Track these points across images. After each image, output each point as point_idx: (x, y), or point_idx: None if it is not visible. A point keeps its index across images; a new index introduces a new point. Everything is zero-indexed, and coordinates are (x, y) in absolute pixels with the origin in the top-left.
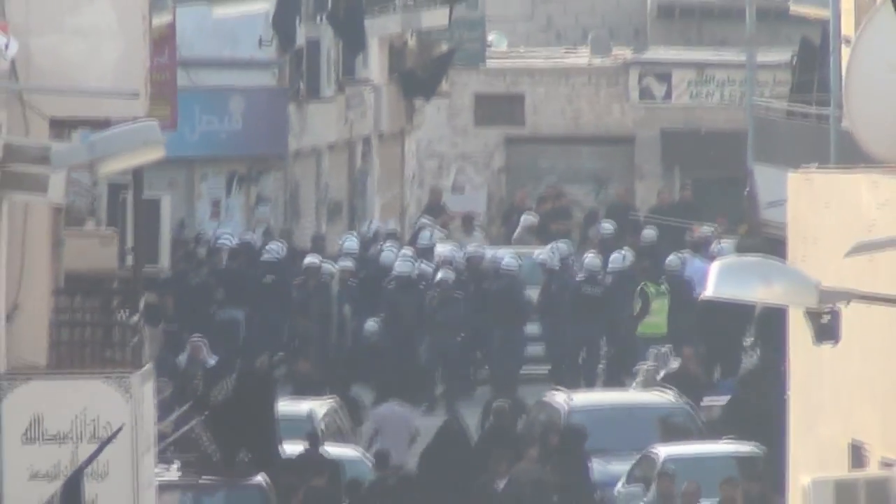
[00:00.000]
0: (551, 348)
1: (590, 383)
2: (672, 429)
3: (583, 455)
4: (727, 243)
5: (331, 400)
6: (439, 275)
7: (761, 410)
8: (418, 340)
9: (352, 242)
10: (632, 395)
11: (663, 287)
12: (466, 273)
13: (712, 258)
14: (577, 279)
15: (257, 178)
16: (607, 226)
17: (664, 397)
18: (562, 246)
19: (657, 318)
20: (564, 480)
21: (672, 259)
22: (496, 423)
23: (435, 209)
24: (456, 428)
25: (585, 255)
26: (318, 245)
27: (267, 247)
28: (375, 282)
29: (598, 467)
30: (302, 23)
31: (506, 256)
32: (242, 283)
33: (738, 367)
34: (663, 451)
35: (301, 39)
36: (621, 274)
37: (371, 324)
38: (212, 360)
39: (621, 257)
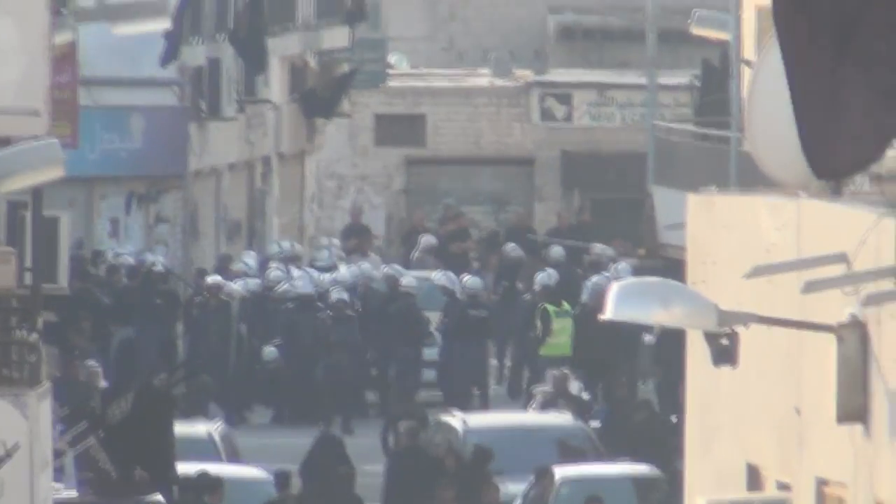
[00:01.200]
0: (445, 372)
1: (483, 406)
2: (570, 450)
3: (489, 476)
4: (624, 265)
5: (220, 422)
6: (333, 295)
7: (635, 434)
8: (315, 361)
9: (251, 260)
10: (529, 417)
11: (566, 307)
12: (366, 295)
13: (608, 280)
14: (461, 301)
15: (157, 197)
16: (513, 246)
17: (561, 419)
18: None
19: (560, 338)
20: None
21: (543, 277)
22: (409, 443)
23: (356, 230)
24: (332, 439)
25: (464, 277)
26: (224, 264)
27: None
28: (266, 301)
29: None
30: (203, 42)
31: (405, 276)
32: (138, 301)
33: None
34: (560, 471)
35: (201, 59)
36: (527, 295)
37: (270, 350)
38: (105, 384)
39: (547, 276)
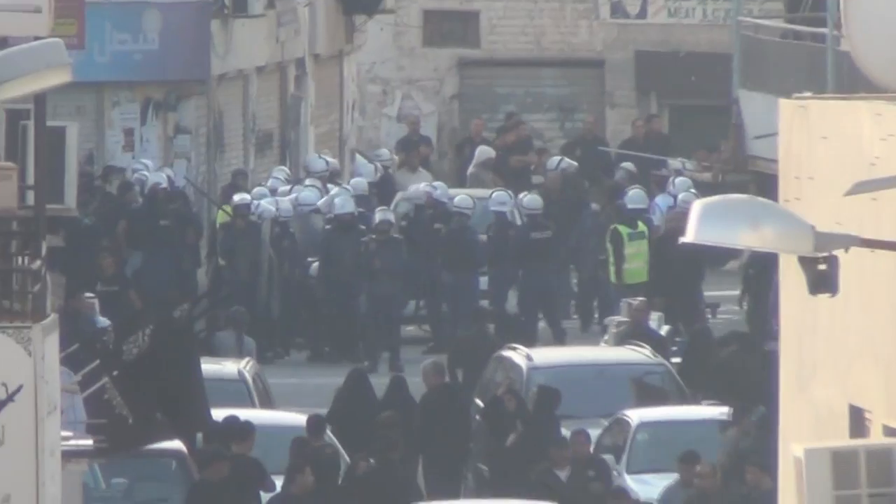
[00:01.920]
0: (499, 303)
1: (558, 340)
2: (648, 390)
3: (556, 421)
4: (683, 179)
5: (250, 360)
6: (377, 216)
7: (721, 371)
8: (357, 288)
9: (282, 175)
10: (601, 352)
11: (642, 228)
12: (414, 213)
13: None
14: (521, 223)
15: (176, 105)
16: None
17: (638, 354)
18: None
19: (634, 263)
20: (538, 449)
21: (634, 194)
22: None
23: (411, 143)
24: (362, 377)
25: (523, 195)
26: (240, 181)
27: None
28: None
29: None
30: None
31: (458, 195)
32: (146, 224)
33: (696, 321)
34: (637, 415)
35: None
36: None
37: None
38: (102, 320)
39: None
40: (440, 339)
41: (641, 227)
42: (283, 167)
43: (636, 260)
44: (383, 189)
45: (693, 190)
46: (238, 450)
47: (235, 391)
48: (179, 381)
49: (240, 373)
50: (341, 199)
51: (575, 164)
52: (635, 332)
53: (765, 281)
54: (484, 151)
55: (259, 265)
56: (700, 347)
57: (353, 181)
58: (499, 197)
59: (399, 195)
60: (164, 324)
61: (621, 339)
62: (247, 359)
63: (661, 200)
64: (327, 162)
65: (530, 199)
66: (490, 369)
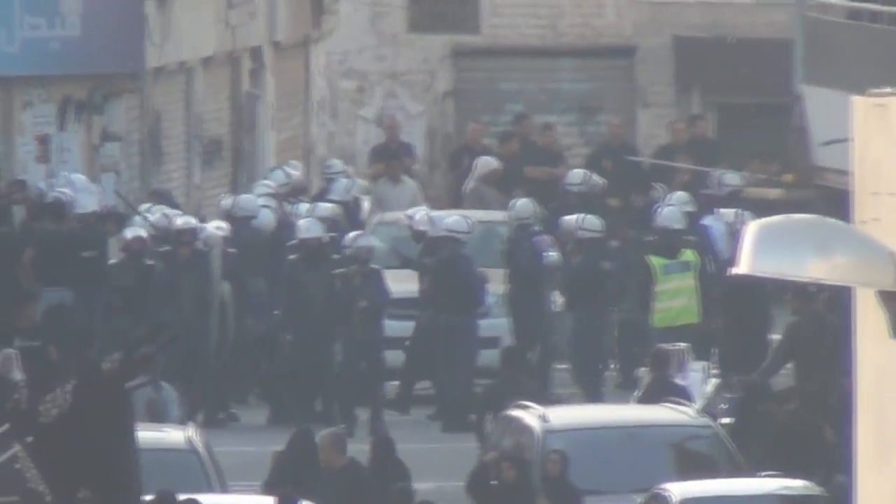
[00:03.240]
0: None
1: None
2: (692, 459)
3: (573, 498)
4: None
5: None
6: (359, 241)
7: (782, 434)
8: (331, 334)
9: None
10: (632, 412)
11: (688, 256)
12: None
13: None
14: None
15: (102, 105)
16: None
17: (679, 414)
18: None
19: (675, 301)
20: None
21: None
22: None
23: (388, 152)
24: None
25: (578, 218)
26: (163, 198)
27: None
28: (255, 252)
29: None
30: None
31: (450, 216)
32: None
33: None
34: (678, 490)
35: None
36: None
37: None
38: (19, 375)
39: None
40: (442, 397)
41: (688, 255)
42: (267, 182)
43: (678, 297)
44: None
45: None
46: None
47: (184, 465)
48: (110, 450)
49: (189, 441)
50: (307, 222)
51: (602, 180)
52: (656, 388)
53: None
54: (486, 163)
55: (208, 303)
56: (756, 405)
57: (318, 206)
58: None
59: (376, 218)
60: (91, 378)
61: (647, 396)
62: (193, 423)
63: (713, 223)
64: (289, 175)
65: (590, 220)
66: (496, 433)
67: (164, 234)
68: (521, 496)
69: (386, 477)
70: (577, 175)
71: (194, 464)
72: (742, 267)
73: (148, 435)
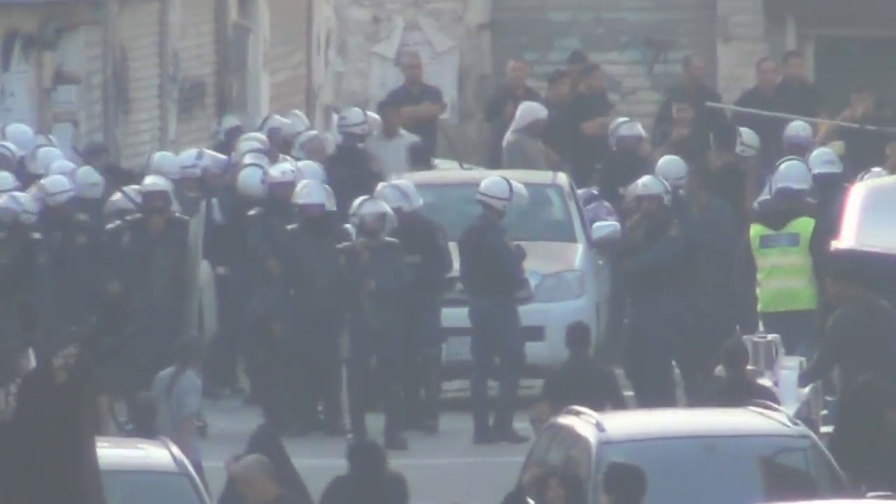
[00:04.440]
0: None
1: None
2: (784, 476)
3: None
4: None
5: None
6: (366, 207)
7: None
8: (338, 320)
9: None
10: (710, 418)
11: (795, 227)
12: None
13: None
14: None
15: (56, 40)
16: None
17: (769, 421)
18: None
19: (776, 281)
20: None
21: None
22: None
23: (411, 96)
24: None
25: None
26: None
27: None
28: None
29: None
30: None
31: (488, 177)
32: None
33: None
34: None
35: None
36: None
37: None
38: None
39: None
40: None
41: (797, 225)
42: (256, 134)
43: (774, 276)
44: (352, 170)
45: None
46: None
47: (173, 491)
48: (62, 467)
49: (177, 461)
50: (306, 185)
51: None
52: (732, 390)
53: None
54: (530, 110)
55: (185, 284)
56: (864, 411)
57: (302, 163)
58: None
59: (379, 187)
60: (38, 378)
61: (720, 401)
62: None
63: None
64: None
65: (650, 181)
66: (541, 445)
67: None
68: None
69: (371, 499)
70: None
71: (184, 488)
72: (846, 239)
73: (121, 452)
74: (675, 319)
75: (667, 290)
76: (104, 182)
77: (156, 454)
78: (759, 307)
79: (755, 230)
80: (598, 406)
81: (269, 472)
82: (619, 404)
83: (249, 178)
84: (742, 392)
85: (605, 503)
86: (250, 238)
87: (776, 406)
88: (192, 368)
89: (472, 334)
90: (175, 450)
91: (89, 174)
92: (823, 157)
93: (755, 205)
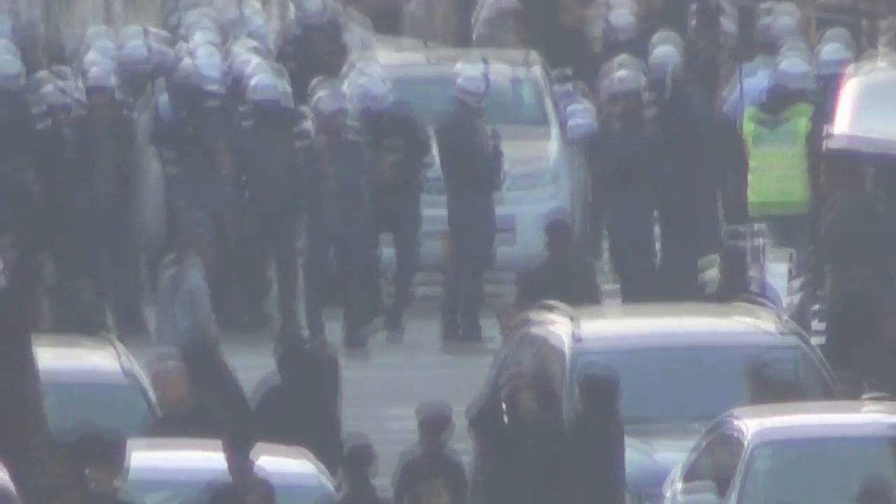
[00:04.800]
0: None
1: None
2: (772, 384)
3: (616, 430)
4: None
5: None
6: (323, 103)
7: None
8: (292, 221)
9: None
10: (696, 322)
11: (797, 118)
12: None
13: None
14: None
15: None
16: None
17: (758, 322)
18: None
19: (762, 179)
20: (576, 473)
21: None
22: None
23: None
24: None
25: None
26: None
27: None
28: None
29: (632, 450)
30: None
31: (463, 73)
32: None
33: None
34: (753, 424)
35: None
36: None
37: None
38: None
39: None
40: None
41: (797, 114)
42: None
43: (767, 172)
44: (310, 61)
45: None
46: (99, 481)
47: (120, 402)
48: (6, 372)
49: (125, 371)
50: (261, 77)
51: None
52: (727, 294)
53: None
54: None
55: (131, 179)
56: (861, 313)
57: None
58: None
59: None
60: None
61: (717, 298)
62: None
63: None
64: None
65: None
66: (513, 352)
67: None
68: (545, 435)
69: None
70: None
71: (133, 400)
72: (840, 126)
73: (63, 363)
74: (650, 215)
75: (643, 186)
76: (24, 71)
77: (102, 363)
78: (754, 208)
79: (748, 122)
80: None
81: (184, 377)
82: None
83: (208, 59)
84: (737, 297)
85: (576, 412)
86: (204, 129)
87: (766, 305)
88: (198, 266)
89: (451, 233)
90: (119, 354)
91: (10, 64)
92: (828, 54)
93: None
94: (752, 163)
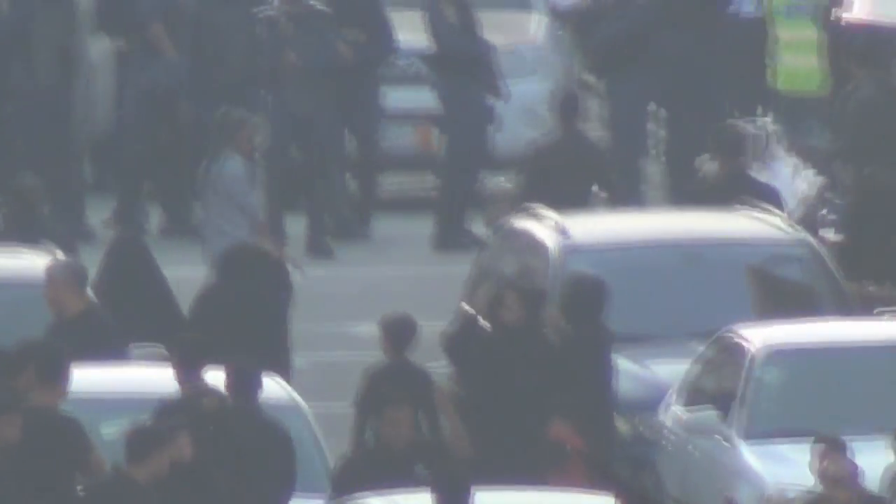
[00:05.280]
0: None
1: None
2: (779, 289)
3: (603, 343)
4: None
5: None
6: None
7: None
8: (251, 99)
9: None
10: (693, 221)
11: None
12: None
13: None
14: None
15: None
16: None
17: (763, 223)
18: None
19: (795, 58)
20: (562, 393)
21: None
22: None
23: None
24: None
25: None
26: None
27: None
28: None
29: (625, 368)
30: None
31: None
32: None
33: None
34: (759, 336)
35: None
36: None
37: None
38: None
39: None
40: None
41: None
42: None
43: (796, 52)
44: None
45: None
46: (41, 399)
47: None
48: None
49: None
50: None
51: None
52: (727, 185)
53: None
54: None
55: (75, 59)
56: (877, 212)
57: None
58: None
59: None
60: None
61: (713, 196)
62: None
63: None
64: None
65: None
66: (494, 253)
67: None
68: (529, 344)
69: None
70: None
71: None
72: (856, 10)
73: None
74: (647, 96)
75: (637, 66)
76: None
77: (29, 261)
78: (786, 86)
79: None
80: (584, 189)
81: (76, 280)
82: (609, 188)
83: None
84: (737, 188)
85: (557, 318)
86: (138, 8)
87: (772, 207)
88: (238, 153)
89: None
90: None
91: None
92: None
93: None
94: (784, 36)
